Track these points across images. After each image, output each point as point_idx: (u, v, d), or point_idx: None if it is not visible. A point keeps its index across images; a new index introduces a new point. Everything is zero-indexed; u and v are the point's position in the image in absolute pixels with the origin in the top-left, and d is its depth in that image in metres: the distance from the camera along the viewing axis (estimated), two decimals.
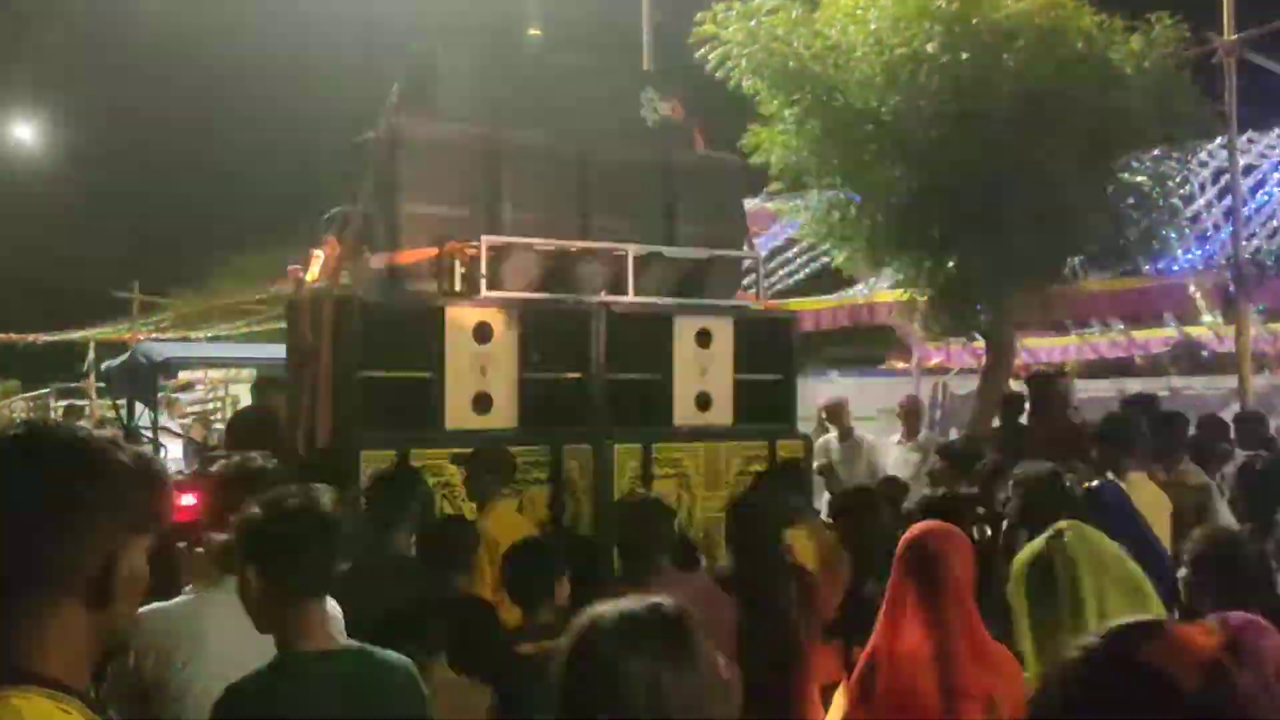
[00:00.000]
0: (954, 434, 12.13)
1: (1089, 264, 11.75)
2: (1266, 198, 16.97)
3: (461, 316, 6.86)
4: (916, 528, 3.98)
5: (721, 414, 7.59)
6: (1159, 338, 17.93)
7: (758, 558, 5.32)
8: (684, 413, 7.47)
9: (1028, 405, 9.28)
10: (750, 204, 19.46)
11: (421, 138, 7.18)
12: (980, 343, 12.37)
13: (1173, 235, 12.66)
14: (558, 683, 1.99)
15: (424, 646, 3.82)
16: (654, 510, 5.26)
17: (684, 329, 7.51)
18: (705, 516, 7.32)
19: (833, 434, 10.49)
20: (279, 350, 8.49)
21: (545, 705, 2.02)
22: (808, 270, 19.45)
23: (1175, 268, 15.36)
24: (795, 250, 19.17)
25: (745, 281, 8.95)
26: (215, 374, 19.48)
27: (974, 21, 10.34)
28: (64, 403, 22.87)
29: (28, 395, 29.86)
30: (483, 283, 6.91)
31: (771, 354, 7.93)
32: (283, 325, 8.06)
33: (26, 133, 40.52)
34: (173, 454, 11.69)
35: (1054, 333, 18.27)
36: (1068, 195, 10.31)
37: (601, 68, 8.83)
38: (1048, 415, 8.91)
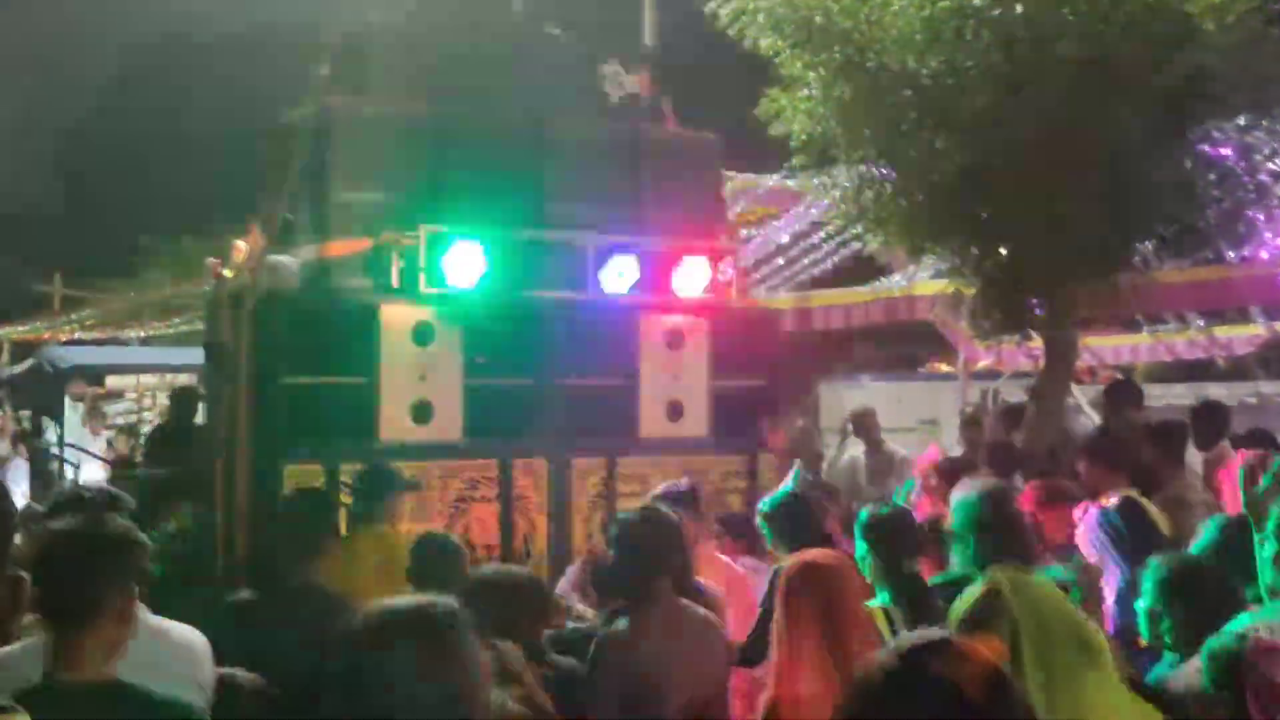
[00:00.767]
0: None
1: (1163, 250, 11.74)
2: None
3: (398, 316, 7.03)
4: (816, 556, 4.19)
5: (695, 425, 7.64)
6: (1244, 336, 17.92)
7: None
8: (652, 423, 7.51)
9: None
10: (770, 181, 19.50)
11: (353, 118, 7.32)
12: (1036, 342, 12.35)
13: (1260, 217, 12.63)
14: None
15: None
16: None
17: (652, 330, 7.54)
18: None
19: (860, 448, 10.47)
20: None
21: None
22: (836, 258, 19.44)
23: (1264, 254, 15.34)
24: (821, 235, 19.16)
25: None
26: (147, 379, 19.53)
27: None
28: None
29: None
30: (422, 278, 6.96)
31: (753, 357, 7.94)
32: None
33: None
34: (86, 474, 11.65)
35: (1122, 330, 18.28)
36: (1138, 171, 10.30)
37: (560, 37, 8.91)
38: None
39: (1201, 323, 18.13)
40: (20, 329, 33.49)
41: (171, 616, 4.07)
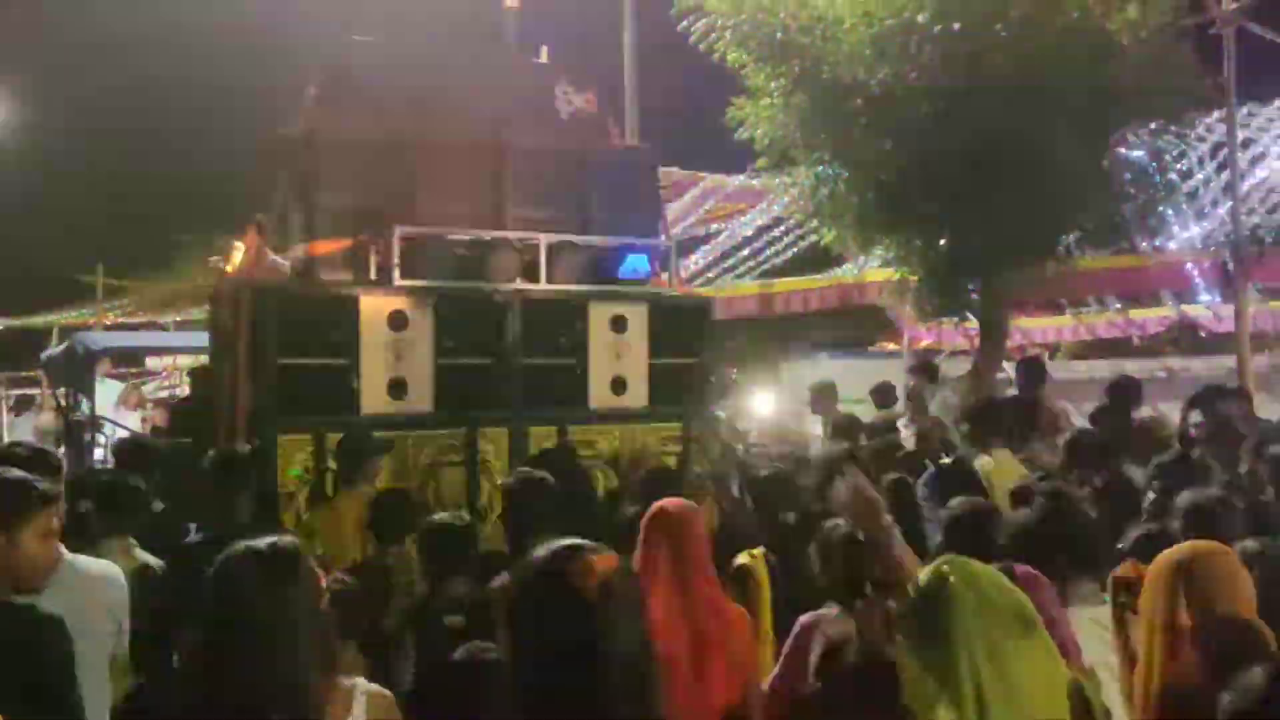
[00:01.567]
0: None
1: (1085, 242, 11.74)
2: (1267, 172, 17.03)
3: (376, 304, 7.12)
4: (668, 504, 4.38)
5: (636, 397, 7.75)
6: (1156, 317, 18.02)
7: None
8: (599, 396, 7.62)
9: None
10: (736, 180, 19.47)
11: (336, 134, 7.39)
12: (972, 323, 12.36)
13: (1170, 212, 12.67)
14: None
15: None
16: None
17: (599, 315, 7.69)
18: None
19: (818, 419, 10.48)
20: None
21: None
22: (795, 249, 19.46)
23: (1173, 245, 15.40)
24: (782, 228, 19.17)
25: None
26: (183, 360, 19.46)
27: None
28: (16, 392, 22.66)
29: None
30: (396, 271, 7.12)
31: (686, 338, 8.10)
32: None
33: None
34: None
35: (1049, 312, 18.33)
36: (1063, 171, 10.29)
37: (518, 61, 8.99)
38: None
39: (1118, 305, 18.22)
40: (67, 315, 33.28)
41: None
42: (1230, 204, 12.59)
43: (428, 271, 7.24)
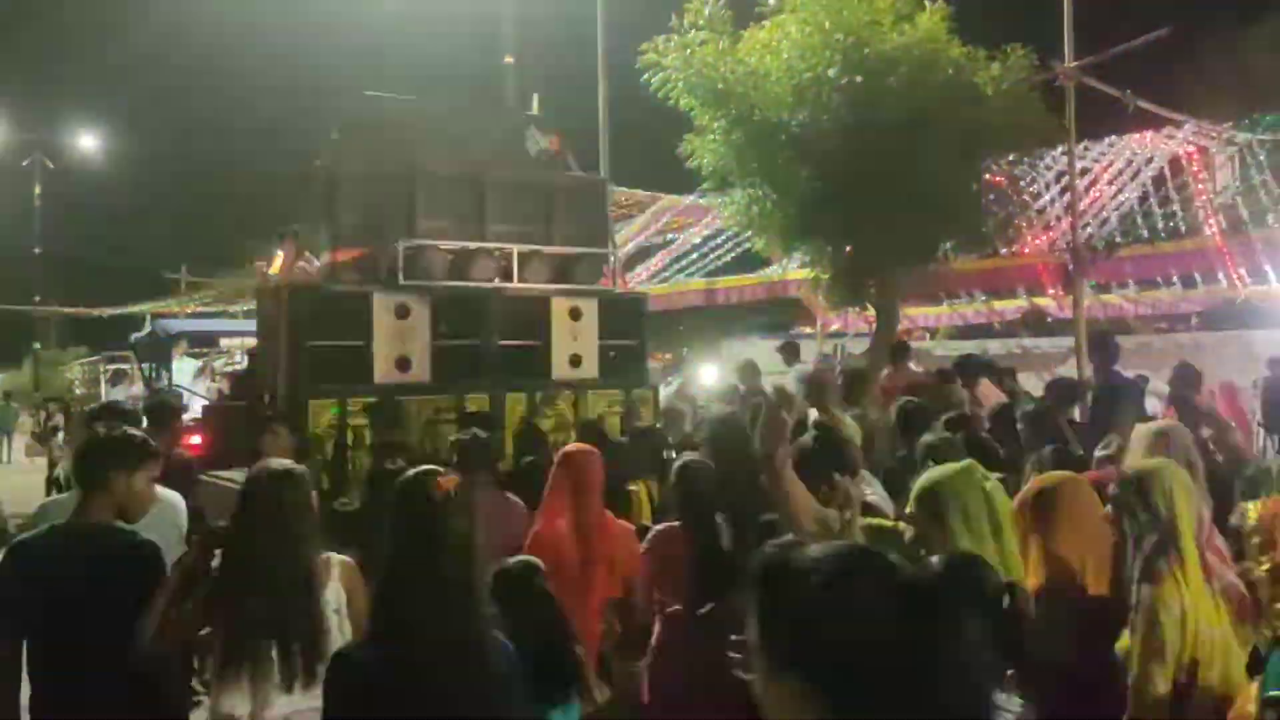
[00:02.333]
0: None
1: (958, 248, 11.81)
2: (1098, 194, 17.15)
3: (385, 300, 7.18)
4: (570, 448, 4.54)
5: (589, 370, 7.87)
6: (1013, 306, 18.10)
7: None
8: (560, 369, 7.73)
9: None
10: (687, 200, 19.39)
11: (353, 167, 7.55)
12: (870, 312, 12.42)
13: (1024, 225, 12.72)
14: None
15: None
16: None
17: (559, 307, 7.82)
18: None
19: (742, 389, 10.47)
20: None
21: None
22: (733, 254, 19.42)
23: (1026, 250, 15.48)
24: (723, 238, 19.12)
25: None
26: (249, 341, 19.26)
27: (865, 51, 10.31)
28: (112, 367, 22.41)
29: (84, 360, 29.26)
30: (401, 274, 7.24)
31: (627, 326, 8.24)
32: None
33: (92, 135, 39.70)
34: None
35: (930, 303, 18.40)
36: (942, 192, 10.33)
37: (496, 113, 9.26)
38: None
39: (984, 298, 18.30)
40: (156, 304, 32.83)
41: None
42: (1070, 219, 12.67)
43: (425, 274, 7.37)
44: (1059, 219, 16.45)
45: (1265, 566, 2.36)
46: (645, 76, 11.05)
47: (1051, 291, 16.54)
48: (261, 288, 7.91)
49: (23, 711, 3.22)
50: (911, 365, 9.38)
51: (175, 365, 13.10)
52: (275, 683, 2.97)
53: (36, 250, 38.84)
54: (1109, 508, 2.87)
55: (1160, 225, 16.88)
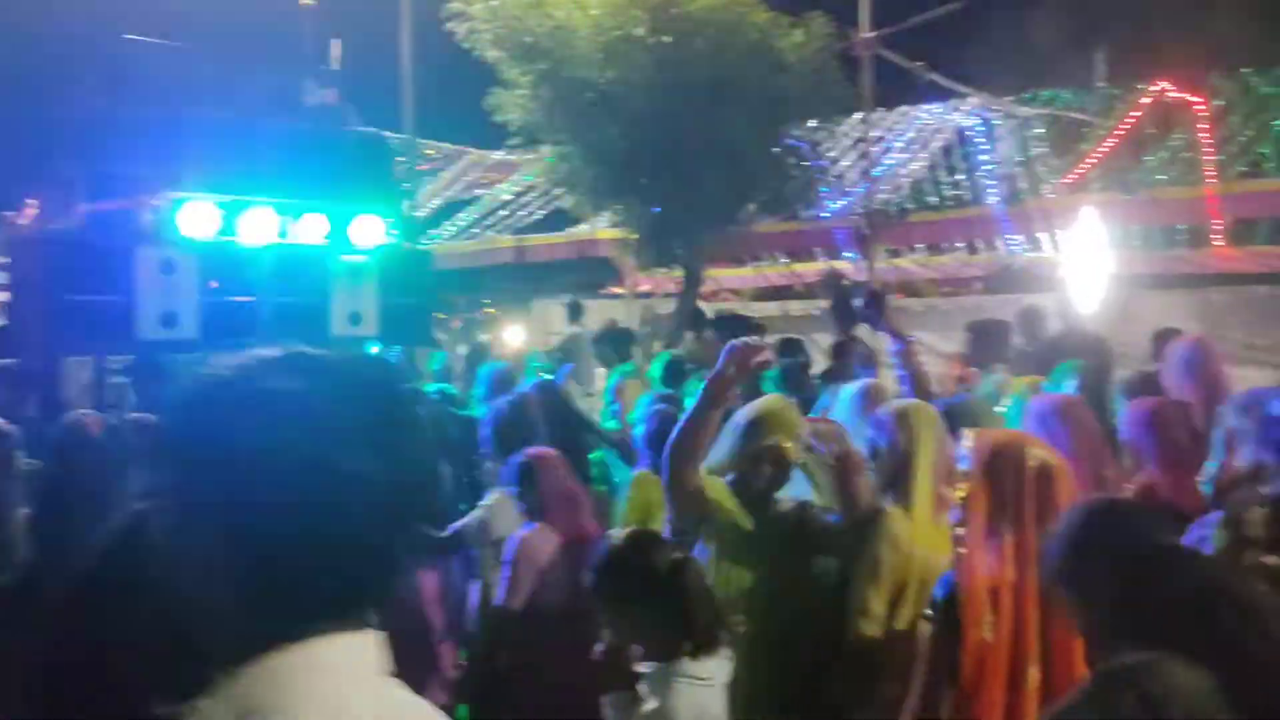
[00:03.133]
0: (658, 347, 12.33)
1: (761, 211, 12.09)
2: (893, 162, 17.96)
3: (150, 254, 6.83)
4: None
5: (369, 328, 7.77)
6: (813, 269, 18.66)
7: None
8: (340, 327, 7.66)
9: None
10: (496, 155, 19.09)
11: (114, 114, 7.25)
12: (678, 273, 12.60)
13: (823, 190, 13.18)
14: None
15: None
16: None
17: (338, 265, 7.69)
18: None
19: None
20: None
21: None
22: (543, 211, 19.27)
23: (825, 215, 16.05)
24: (533, 194, 18.94)
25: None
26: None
27: (673, 12, 10.37)
28: None
29: None
30: (168, 228, 6.90)
31: (411, 283, 8.16)
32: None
33: None
34: None
35: (735, 265, 18.79)
36: (745, 156, 10.54)
37: (271, 63, 9.02)
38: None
39: (786, 260, 18.86)
40: None
41: None
42: (866, 186, 13.23)
43: (193, 227, 7.00)
44: (855, 185, 17.11)
45: (960, 493, 2.50)
46: (450, 24, 10.76)
47: (849, 255, 17.19)
48: (15, 238, 7.40)
49: None
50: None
51: None
52: None
53: None
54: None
55: (948, 193, 17.83)
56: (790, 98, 10.74)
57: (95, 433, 2.75)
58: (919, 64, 12.53)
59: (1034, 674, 2.31)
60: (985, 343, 7.01)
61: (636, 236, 11.62)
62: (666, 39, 10.22)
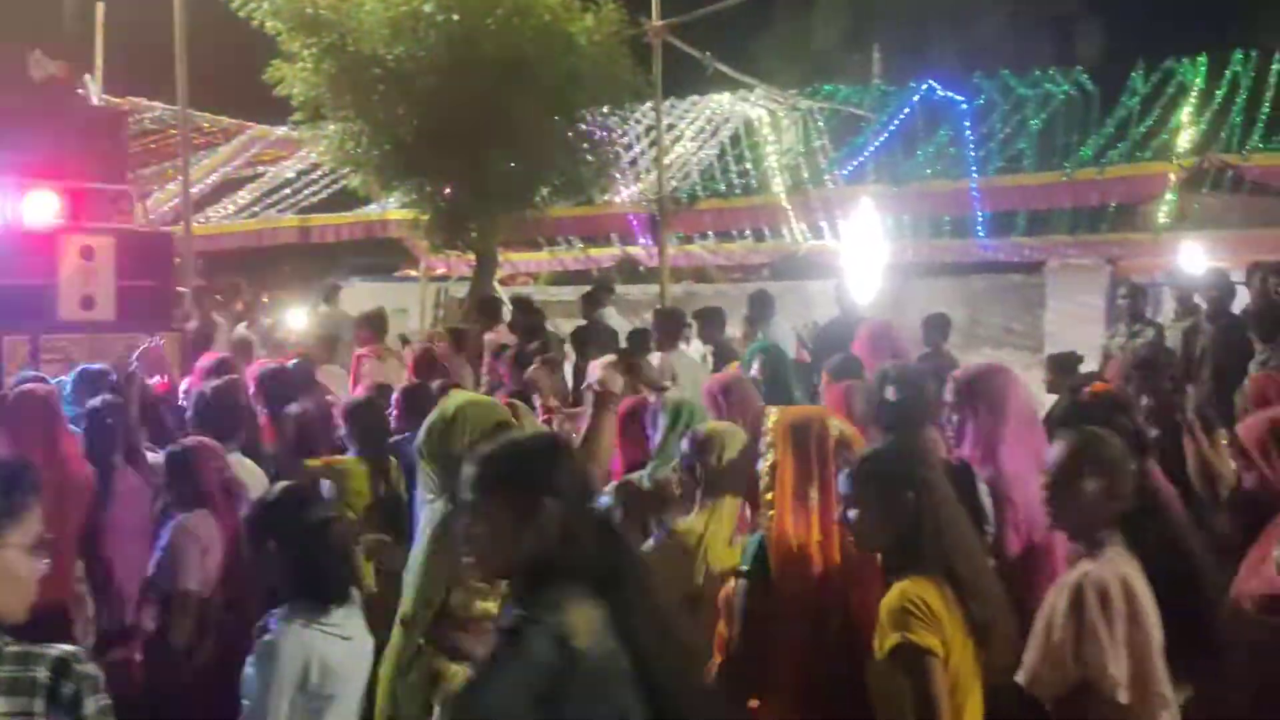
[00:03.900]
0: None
1: (555, 194, 12.10)
2: (682, 150, 18.30)
3: None
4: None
5: (104, 312, 7.54)
6: (607, 254, 18.90)
7: None
8: (70, 311, 7.41)
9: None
10: (279, 131, 18.24)
11: None
12: (472, 255, 12.46)
13: (616, 175, 13.31)
14: None
15: None
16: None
17: (69, 245, 7.40)
18: None
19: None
20: None
21: None
22: (329, 191, 18.57)
23: (618, 200, 16.23)
24: (319, 173, 18.23)
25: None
26: None
27: None
28: None
29: None
30: None
31: (150, 266, 7.97)
32: None
33: None
34: None
35: (531, 249, 18.77)
36: (538, 138, 10.54)
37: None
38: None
39: (581, 245, 18.99)
40: None
41: None
42: (657, 172, 13.44)
43: None
44: (647, 171, 17.38)
45: (770, 462, 2.82)
46: None
47: (642, 240, 17.47)
48: None
49: None
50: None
51: None
52: None
53: None
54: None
55: (736, 181, 18.37)
56: (582, 81, 10.80)
57: None
58: (706, 54, 12.80)
59: (835, 619, 2.70)
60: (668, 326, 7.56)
61: (428, 218, 11.41)
62: (455, 16, 10.06)
